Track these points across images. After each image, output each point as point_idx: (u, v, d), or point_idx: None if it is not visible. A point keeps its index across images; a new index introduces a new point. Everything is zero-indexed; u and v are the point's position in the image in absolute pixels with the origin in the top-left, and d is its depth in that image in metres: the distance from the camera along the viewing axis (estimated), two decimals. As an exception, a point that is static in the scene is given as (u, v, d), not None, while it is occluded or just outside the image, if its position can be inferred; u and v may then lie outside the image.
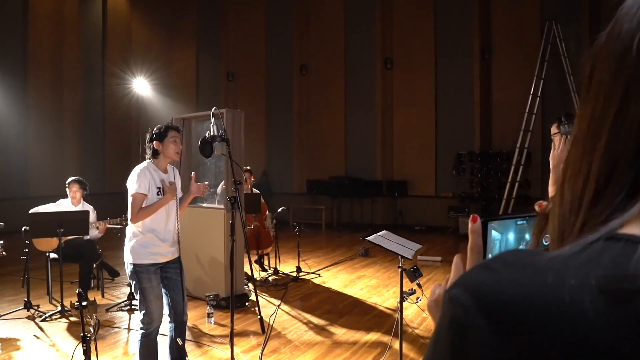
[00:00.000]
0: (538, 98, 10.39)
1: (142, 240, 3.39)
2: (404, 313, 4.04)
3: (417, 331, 4.91)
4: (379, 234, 4.14)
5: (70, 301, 4.34)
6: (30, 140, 12.16)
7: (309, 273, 7.50)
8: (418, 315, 5.41)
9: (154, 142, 3.42)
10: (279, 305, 5.83)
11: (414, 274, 3.96)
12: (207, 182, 3.73)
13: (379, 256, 8.84)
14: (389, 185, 13.05)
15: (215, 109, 3.68)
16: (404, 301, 3.97)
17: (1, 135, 11.44)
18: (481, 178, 11.86)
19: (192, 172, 3.67)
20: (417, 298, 4.10)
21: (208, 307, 5.27)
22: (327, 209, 13.31)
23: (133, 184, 3.34)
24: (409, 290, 4.05)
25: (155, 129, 3.46)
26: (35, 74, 12.42)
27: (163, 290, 3.49)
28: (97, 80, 14.22)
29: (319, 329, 5.04)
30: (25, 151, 12.06)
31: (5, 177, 11.58)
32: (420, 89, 12.90)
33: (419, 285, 4.01)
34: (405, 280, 3.84)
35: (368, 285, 6.88)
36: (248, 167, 7.23)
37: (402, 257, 3.85)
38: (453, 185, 12.35)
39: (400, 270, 3.90)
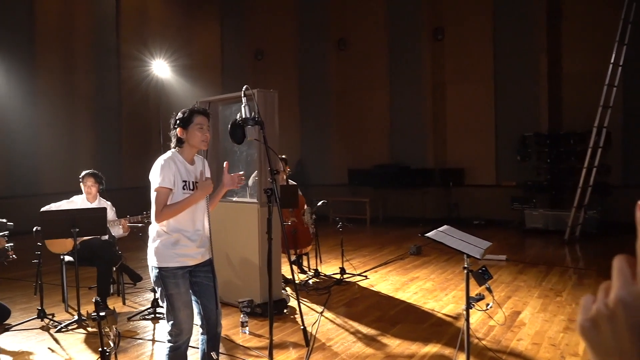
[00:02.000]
0: (620, 67, 9.93)
1: (168, 241, 3.32)
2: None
3: (484, 342, 4.72)
4: (439, 229, 4.00)
5: (87, 311, 4.32)
6: (39, 131, 12.39)
7: (354, 275, 7.41)
8: (484, 323, 5.22)
9: (178, 129, 3.35)
10: (321, 312, 5.73)
11: (482, 275, 3.79)
12: (241, 172, 3.61)
13: (433, 255, 8.73)
14: (441, 173, 12.91)
15: (246, 88, 3.56)
16: (471, 308, 3.80)
17: (9, 126, 11.68)
18: (550, 163, 11.53)
19: (225, 163, 3.55)
20: (487, 304, 3.91)
21: (242, 315, 5.20)
22: (372, 202, 13.24)
23: (156, 177, 3.27)
24: (476, 295, 3.87)
25: (179, 113, 3.39)
26: (43, 58, 12.64)
27: (193, 297, 3.43)
28: (111, 62, 14.39)
29: (368, 340, 4.91)
30: (34, 143, 12.30)
31: (14, 172, 11.84)
32: (476, 61, 12.62)
33: (489, 289, 3.82)
34: (471, 282, 3.68)
35: (423, 288, 6.74)
36: (283, 156, 7.16)
37: (469, 256, 3.69)
38: (517, 172, 12.05)
39: (465, 271, 3.74)
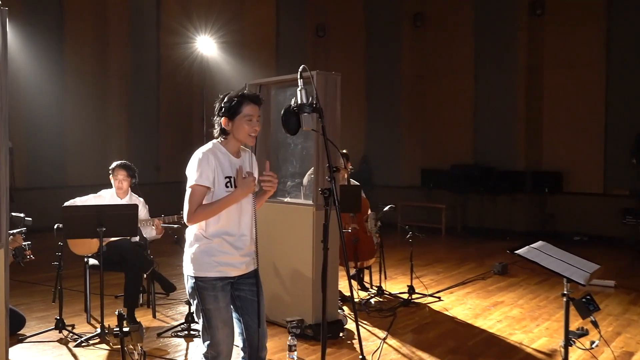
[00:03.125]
0: None
1: (207, 247, 3.33)
2: (567, 360, 3.72)
3: (585, 387, 4.54)
4: (533, 246, 3.92)
5: (109, 325, 4.38)
6: (67, 115, 12.78)
7: (425, 295, 7.35)
8: (586, 364, 5.04)
9: (222, 118, 3.36)
10: (384, 339, 5.69)
11: (587, 306, 3.63)
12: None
13: (522, 275, 8.61)
14: (535, 177, 12.70)
15: (304, 69, 3.50)
16: (571, 345, 3.64)
17: (33, 108, 12.05)
18: (675, 169, 11.13)
19: (266, 162, 3.51)
20: (592, 342, 3.73)
21: (290, 338, 5.16)
22: (449, 209, 13.18)
23: (193, 172, 3.29)
24: (578, 329, 3.71)
25: (225, 98, 3.38)
26: (73, 32, 13.02)
27: (234, 314, 3.43)
28: (150, 38, 14.70)
29: (441, 376, 4.82)
30: (61, 128, 12.71)
31: (37, 160, 12.26)
32: (583, 41, 12.28)
33: (594, 323, 3.64)
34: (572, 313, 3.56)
35: (508, 316, 6.61)
36: (344, 151, 7.14)
37: (570, 281, 3.54)
38: (631, 178, 11.68)
39: (565, 300, 3.59)
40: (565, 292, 3.59)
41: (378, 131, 14.77)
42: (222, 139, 3.41)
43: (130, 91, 14.18)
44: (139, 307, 6.28)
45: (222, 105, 3.37)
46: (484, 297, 7.46)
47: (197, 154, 3.33)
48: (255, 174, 3.49)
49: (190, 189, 3.28)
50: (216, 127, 3.42)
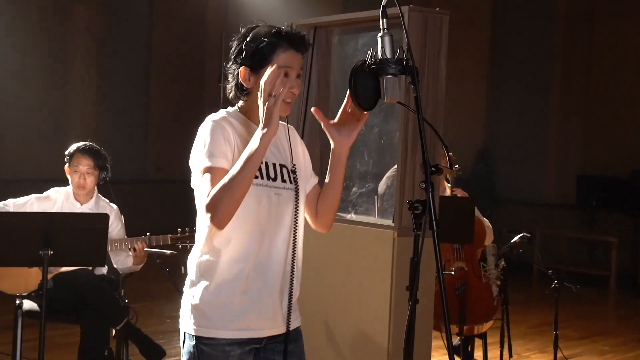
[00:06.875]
0: None
1: (217, 288, 3.30)
2: None
3: None
4: None
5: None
6: (2, 67, 12.98)
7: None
8: None
9: (241, 68, 3.30)
10: None
11: None
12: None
13: None
14: None
15: (389, 1, 3.50)
16: None
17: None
18: None
19: (312, 108, 3.47)
20: None
21: None
22: (625, 244, 13.03)
23: (200, 151, 3.20)
24: None
25: (250, 34, 3.30)
26: None
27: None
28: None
29: None
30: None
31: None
32: None
33: None
34: None
35: None
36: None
37: None
38: None
39: None
40: None
41: (508, 110, 14.77)
42: (242, 103, 3.40)
43: (106, 31, 14.34)
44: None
45: (245, 46, 3.30)
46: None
47: (208, 123, 3.27)
48: (302, 158, 3.49)
49: (204, 176, 3.14)
50: (230, 80, 3.39)
